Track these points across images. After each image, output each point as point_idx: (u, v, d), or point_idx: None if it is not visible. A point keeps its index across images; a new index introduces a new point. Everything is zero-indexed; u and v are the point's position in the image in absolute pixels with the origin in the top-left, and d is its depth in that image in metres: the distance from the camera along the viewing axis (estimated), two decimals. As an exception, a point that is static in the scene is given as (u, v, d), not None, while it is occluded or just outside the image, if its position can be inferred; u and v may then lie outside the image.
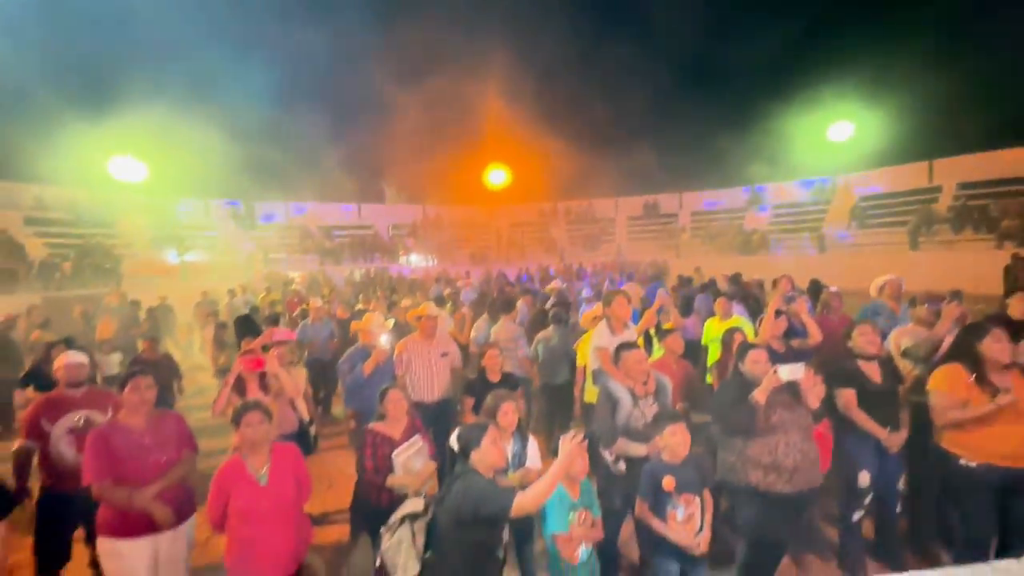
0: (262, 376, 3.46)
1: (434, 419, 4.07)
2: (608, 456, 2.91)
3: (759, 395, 2.62)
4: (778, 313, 4.17)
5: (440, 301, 8.24)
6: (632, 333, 3.56)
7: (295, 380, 3.68)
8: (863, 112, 21.26)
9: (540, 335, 5.30)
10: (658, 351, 4.28)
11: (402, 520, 2.15)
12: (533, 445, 2.80)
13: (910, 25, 21.46)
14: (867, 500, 3.10)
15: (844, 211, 20.16)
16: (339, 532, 4.08)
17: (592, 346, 3.40)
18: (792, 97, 21.38)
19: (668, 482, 2.49)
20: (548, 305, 6.81)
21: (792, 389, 2.72)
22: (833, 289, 5.17)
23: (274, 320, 6.71)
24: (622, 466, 2.86)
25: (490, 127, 25.46)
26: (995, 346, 2.76)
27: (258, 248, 20.89)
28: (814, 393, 2.71)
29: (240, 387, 3.35)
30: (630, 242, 24.76)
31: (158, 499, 2.54)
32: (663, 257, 19.90)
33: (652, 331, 4.78)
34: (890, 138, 19.93)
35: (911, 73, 20.03)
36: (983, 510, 2.74)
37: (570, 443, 1.97)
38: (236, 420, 2.43)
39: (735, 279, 8.29)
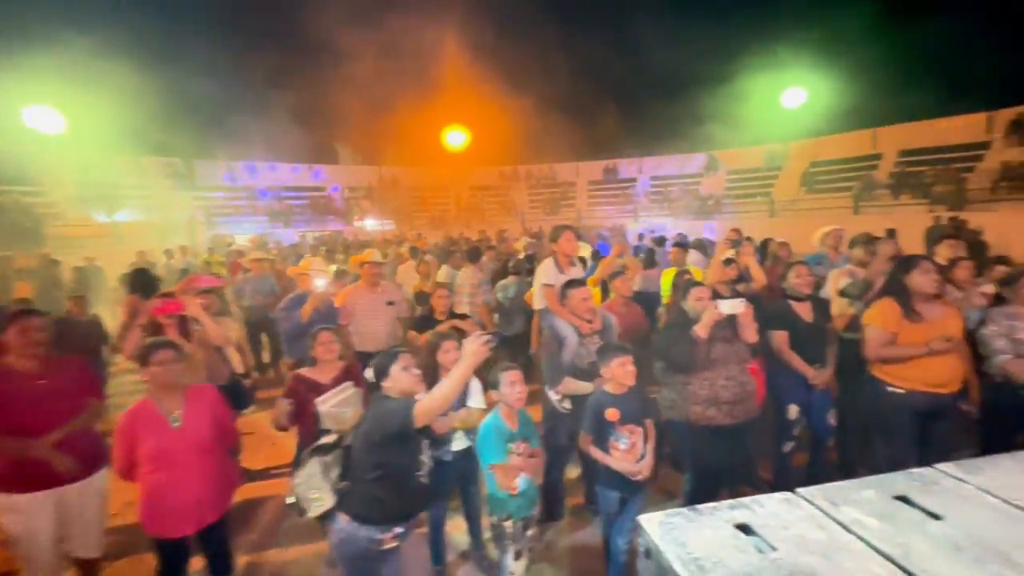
0: (183, 322, 3.19)
1: (381, 370, 3.95)
2: (554, 395, 2.87)
3: (700, 330, 2.62)
4: (728, 261, 4.21)
5: (414, 253, 8.19)
6: (579, 271, 3.49)
7: (223, 329, 3.42)
8: (814, 79, 21.64)
9: (501, 283, 5.37)
10: (610, 295, 4.28)
11: (312, 453, 2.04)
12: (476, 384, 2.71)
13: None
14: (796, 432, 3.23)
15: (796, 177, 20.79)
16: (283, 486, 3.94)
17: (538, 284, 3.32)
18: (748, 61, 21.49)
19: (612, 413, 2.46)
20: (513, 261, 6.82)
21: (731, 324, 2.74)
22: (780, 240, 5.29)
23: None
24: (567, 404, 2.83)
25: (449, 82, 24.36)
26: (921, 278, 2.84)
27: (200, 209, 19.59)
28: (752, 328, 2.73)
29: (156, 334, 3.08)
30: (590, 207, 24.79)
31: (58, 449, 2.31)
32: (622, 221, 20.04)
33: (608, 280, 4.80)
34: (839, 106, 20.49)
35: (859, 40, 20.48)
36: (906, 434, 2.89)
37: (474, 343, 1.86)
38: (144, 359, 2.20)
39: (680, 239, 8.47)
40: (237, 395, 3.69)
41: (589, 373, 2.79)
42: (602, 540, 2.69)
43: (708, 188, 22.88)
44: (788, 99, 23.00)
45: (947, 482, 1.67)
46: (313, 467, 2.00)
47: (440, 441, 2.53)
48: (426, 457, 2.06)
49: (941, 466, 1.77)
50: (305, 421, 2.75)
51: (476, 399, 2.63)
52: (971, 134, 17.40)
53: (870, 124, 20.30)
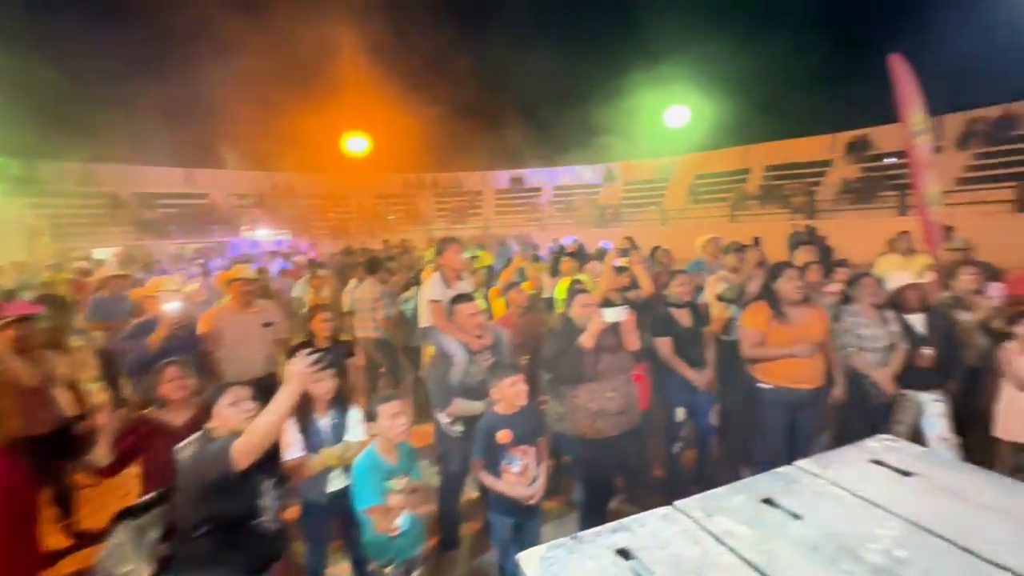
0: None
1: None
2: (444, 419, 2.71)
3: (586, 339, 2.60)
4: (620, 269, 4.35)
5: (314, 266, 7.63)
6: (467, 285, 3.37)
7: (44, 365, 2.81)
8: (696, 99, 23.79)
9: (405, 295, 5.27)
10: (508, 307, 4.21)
11: (119, 518, 1.69)
12: (355, 415, 2.46)
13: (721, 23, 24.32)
14: (684, 432, 3.38)
15: (683, 188, 22.69)
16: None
17: (423, 300, 3.14)
18: (638, 79, 23.06)
19: (503, 436, 2.36)
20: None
21: (615, 332, 2.76)
22: (664, 247, 5.62)
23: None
24: (459, 427, 2.68)
25: (349, 85, 23.17)
26: (785, 284, 3.13)
27: (45, 218, 16.71)
28: (634, 335, 2.78)
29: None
30: (498, 215, 25.04)
31: None
32: (527, 230, 20.45)
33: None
34: (717, 124, 22.68)
35: (731, 64, 22.90)
36: (777, 426, 3.14)
37: (299, 363, 1.63)
38: None
39: (563, 247, 8.74)
40: (67, 443, 3.07)
41: (480, 391, 2.66)
42: (499, 568, 2.57)
43: (607, 198, 24.17)
44: (675, 117, 25.06)
45: (805, 479, 1.76)
46: (121, 535, 1.64)
47: (312, 482, 2.25)
48: (269, 499, 1.78)
49: (800, 463, 1.88)
50: (155, 472, 2.31)
51: (355, 431, 2.38)
52: (818, 153, 20.21)
53: (742, 142, 22.77)
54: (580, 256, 5.97)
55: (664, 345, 3.33)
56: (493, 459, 2.35)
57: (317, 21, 21.62)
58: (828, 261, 5.00)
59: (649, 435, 3.57)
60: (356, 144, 26.02)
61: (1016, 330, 3.34)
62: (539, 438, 2.47)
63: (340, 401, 2.45)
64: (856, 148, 19.11)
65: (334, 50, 22.46)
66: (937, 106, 6.96)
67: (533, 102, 27.33)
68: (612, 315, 2.58)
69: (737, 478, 3.75)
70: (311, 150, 23.77)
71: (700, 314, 3.57)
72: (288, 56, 22.07)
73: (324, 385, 2.31)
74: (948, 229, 5.81)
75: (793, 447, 3.19)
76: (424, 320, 3.10)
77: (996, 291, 3.87)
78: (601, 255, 7.44)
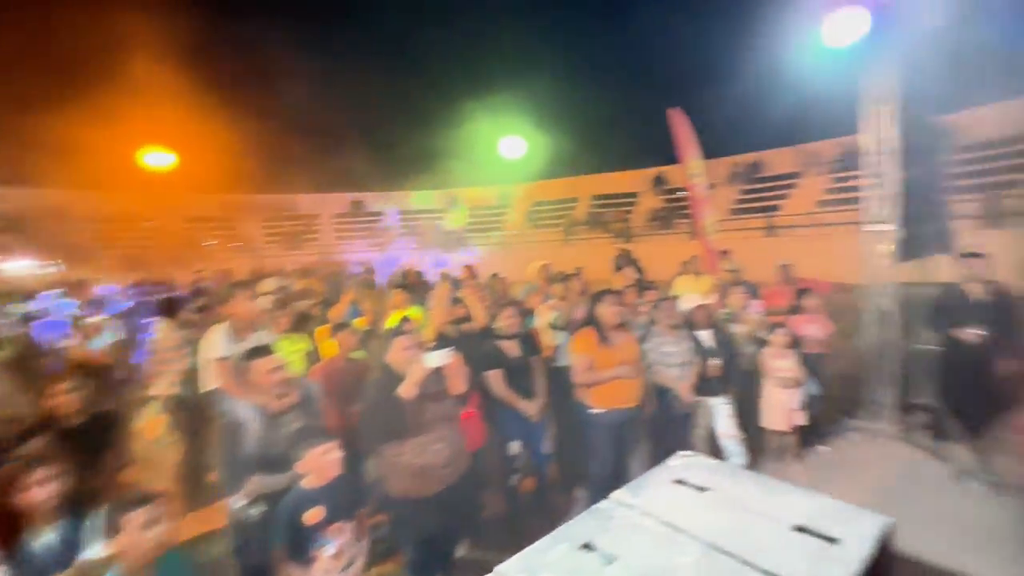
0: None
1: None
2: (238, 502, 2.21)
3: (407, 389, 2.38)
4: (456, 301, 4.25)
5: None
6: (264, 336, 2.88)
7: None
8: (532, 131, 25.59)
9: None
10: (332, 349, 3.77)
11: None
12: (96, 527, 1.84)
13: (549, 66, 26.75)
14: (520, 464, 3.36)
15: (523, 214, 24.13)
16: None
17: (205, 359, 2.57)
18: (479, 108, 23.98)
19: (313, 515, 2.00)
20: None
21: (439, 377, 2.60)
22: (500, 276, 5.73)
23: None
24: (258, 509, 2.21)
25: (149, 88, 19.41)
26: (606, 310, 3.35)
27: None
28: (460, 378, 2.64)
29: None
30: (337, 240, 23.53)
31: None
32: (369, 256, 19.53)
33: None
34: (550, 156, 24.66)
35: (559, 101, 25.16)
36: (607, 446, 3.30)
37: None
38: None
39: (405, 275, 8.57)
40: None
41: (285, 462, 2.24)
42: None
43: (451, 223, 24.47)
44: (513, 147, 26.51)
45: (619, 513, 1.80)
46: None
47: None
48: None
49: (615, 495, 1.93)
50: None
51: (95, 548, 1.78)
52: (631, 185, 23.37)
53: (571, 173, 25.10)
54: (416, 287, 5.72)
55: (496, 378, 3.29)
56: (301, 545, 1.97)
57: (103, 7, 17.87)
58: (641, 283, 5.59)
59: (485, 472, 3.47)
60: (159, 158, 22.07)
61: (772, 338, 4.10)
62: (359, 510, 2.16)
63: (77, 505, 1.82)
64: (658, 183, 22.57)
65: (129, 44, 18.79)
66: (709, 151, 8.42)
67: (374, 124, 26.44)
68: (435, 359, 2.39)
69: (573, 502, 3.84)
70: (95, 163, 19.37)
71: (529, 343, 3.63)
72: (61, 46, 17.86)
73: (42, 493, 1.69)
74: (724, 253, 7.03)
75: (620, 463, 3.39)
76: (208, 382, 2.52)
77: (757, 306, 4.72)
78: (443, 280, 7.33)
